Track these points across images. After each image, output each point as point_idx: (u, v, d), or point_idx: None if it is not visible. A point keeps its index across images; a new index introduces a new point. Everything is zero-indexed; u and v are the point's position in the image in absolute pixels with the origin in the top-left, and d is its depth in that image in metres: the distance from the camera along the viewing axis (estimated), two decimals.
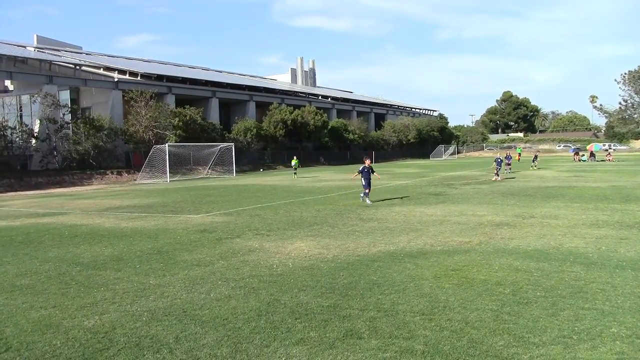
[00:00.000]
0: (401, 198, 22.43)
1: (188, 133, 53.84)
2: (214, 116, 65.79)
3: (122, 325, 6.65)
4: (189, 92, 64.91)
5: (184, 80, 66.05)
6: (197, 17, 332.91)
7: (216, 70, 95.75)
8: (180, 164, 48.61)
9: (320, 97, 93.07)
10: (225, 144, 51.81)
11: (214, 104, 67.34)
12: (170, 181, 42.07)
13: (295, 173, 42.47)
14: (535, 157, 52.18)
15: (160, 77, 62.07)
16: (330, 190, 27.88)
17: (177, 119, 53.30)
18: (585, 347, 5.61)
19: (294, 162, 43.49)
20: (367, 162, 22.01)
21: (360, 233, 13.44)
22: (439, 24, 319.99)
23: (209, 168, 50.87)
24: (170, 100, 59.79)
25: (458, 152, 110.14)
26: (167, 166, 43.12)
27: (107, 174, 46.46)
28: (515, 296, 7.45)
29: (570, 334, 5.97)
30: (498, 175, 33.64)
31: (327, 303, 7.33)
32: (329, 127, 76.11)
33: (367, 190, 20.95)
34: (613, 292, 7.57)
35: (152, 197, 26.96)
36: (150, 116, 50.79)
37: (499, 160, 35.15)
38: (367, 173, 21.13)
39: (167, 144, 44.53)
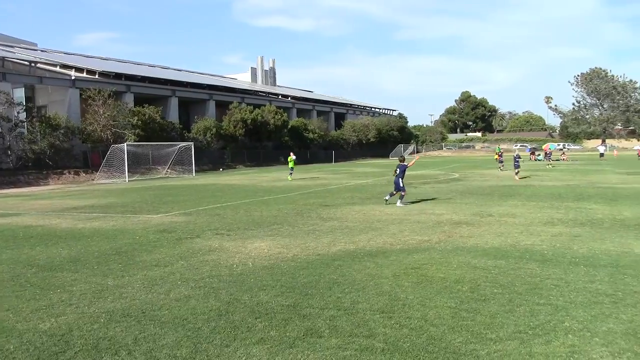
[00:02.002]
0: (362, 197, 22.54)
1: (147, 132, 53.19)
2: (174, 115, 65.11)
3: (80, 327, 6.54)
4: (148, 90, 64.09)
5: (143, 79, 65.19)
6: (157, 16, 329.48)
7: (176, 69, 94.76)
8: (139, 164, 47.96)
9: (280, 97, 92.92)
10: (184, 144, 51.33)
11: (174, 103, 66.63)
12: (129, 181, 41.54)
13: (290, 174, 37.40)
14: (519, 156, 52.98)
15: (118, 76, 61.12)
16: (290, 189, 27.87)
17: (136, 118, 52.58)
18: (540, 341, 5.74)
19: (290, 160, 38.40)
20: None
21: (320, 232, 13.48)
22: (400, 24, 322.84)
23: (169, 167, 50.34)
24: (129, 99, 58.89)
25: (417, 152, 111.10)
26: (126, 166, 42.54)
27: (64, 174, 45.60)
28: (473, 293, 7.58)
29: (526, 329, 6.10)
30: (517, 174, 32.79)
31: (287, 302, 7.35)
32: (289, 126, 76.01)
33: (395, 192, 19.81)
34: (566, 288, 7.76)
35: (111, 197, 26.59)
36: (108, 115, 49.99)
37: (517, 157, 34.31)
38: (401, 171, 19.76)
39: (125, 144, 43.91)
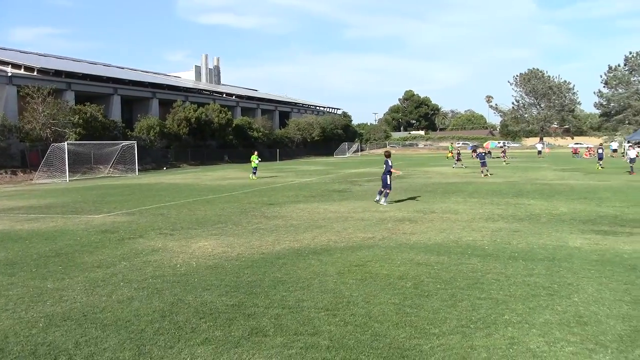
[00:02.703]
0: (306, 195, 22.58)
1: (88, 131, 51.96)
2: (116, 114, 63.84)
3: (16, 333, 6.33)
4: (89, 88, 62.63)
5: (84, 77, 63.64)
6: (98, 11, 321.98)
7: (118, 67, 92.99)
8: (80, 163, 46.76)
9: (224, 95, 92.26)
10: (127, 142, 50.34)
11: (116, 101, 65.34)
12: (69, 181, 40.50)
13: (254, 173, 35.31)
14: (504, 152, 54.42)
15: (58, 73, 59.51)
16: (234, 188, 27.70)
17: (77, 116, 51.25)
18: (481, 334, 5.88)
19: (254, 159, 36.00)
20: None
21: (264, 231, 13.45)
22: (345, 23, 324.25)
23: (111, 167, 49.30)
24: (70, 96, 57.39)
25: (361, 150, 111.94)
26: (67, 165, 41.41)
27: (1, 174, 44.21)
28: (416, 289, 7.69)
29: (468, 323, 6.23)
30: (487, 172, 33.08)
31: (231, 302, 7.31)
32: (234, 125, 75.44)
33: (383, 190, 19.03)
34: (506, 282, 7.97)
35: (51, 197, 25.89)
36: (47, 113, 48.52)
37: (482, 154, 34.86)
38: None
39: (66, 142, 42.76)
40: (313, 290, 7.79)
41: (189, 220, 15.69)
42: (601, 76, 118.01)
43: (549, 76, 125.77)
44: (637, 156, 33.65)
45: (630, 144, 48.98)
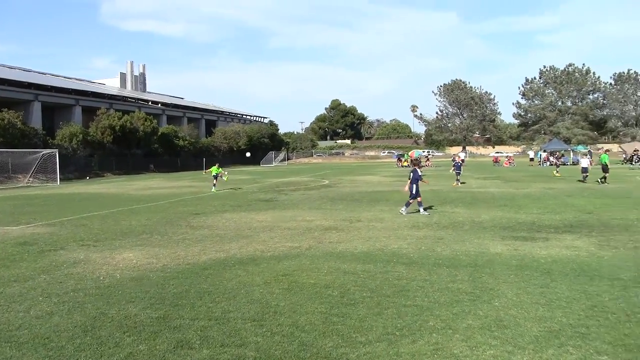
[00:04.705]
0: (232, 205, 22.42)
1: (6, 138, 50.05)
2: (36, 121, 61.84)
3: None
4: (7, 94, 60.42)
5: (1, 82, 61.34)
6: (17, 14, 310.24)
7: (39, 72, 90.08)
8: None
9: (150, 103, 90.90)
10: (48, 151, 48.69)
11: (36, 107, 63.31)
12: None
13: (215, 185, 31.87)
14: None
15: None
16: (160, 198, 27.22)
17: None
18: (407, 341, 5.98)
19: (215, 170, 32.07)
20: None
21: (190, 241, 13.27)
22: (273, 32, 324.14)
23: (30, 176, 47.53)
24: None
25: (288, 159, 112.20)
26: None
27: None
28: (343, 298, 7.76)
29: (394, 331, 6.33)
30: (458, 182, 32.84)
31: (156, 314, 7.17)
32: (159, 133, 74.35)
33: (411, 200, 18.25)
34: (430, 289, 8.14)
35: None
36: None
37: (458, 164, 34.44)
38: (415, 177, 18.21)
39: None
40: (239, 300, 7.74)
41: (113, 231, 15.30)
42: (519, 88, 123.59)
43: (471, 87, 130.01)
44: (589, 165, 34.81)
45: (583, 153, 50.85)
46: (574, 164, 57.56)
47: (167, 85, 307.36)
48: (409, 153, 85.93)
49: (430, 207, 19.06)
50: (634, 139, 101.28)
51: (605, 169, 32.25)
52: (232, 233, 14.52)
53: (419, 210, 17.89)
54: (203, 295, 8.08)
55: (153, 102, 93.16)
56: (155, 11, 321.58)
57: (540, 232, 13.71)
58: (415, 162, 19.38)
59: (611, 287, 8.15)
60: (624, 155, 68.99)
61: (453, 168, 35.58)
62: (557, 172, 42.06)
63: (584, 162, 33.92)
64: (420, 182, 18.23)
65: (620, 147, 77.02)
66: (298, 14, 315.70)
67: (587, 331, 6.23)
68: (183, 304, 7.60)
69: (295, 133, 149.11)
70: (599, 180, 31.57)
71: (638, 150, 63.46)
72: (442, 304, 7.36)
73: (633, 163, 61.00)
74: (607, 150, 42.81)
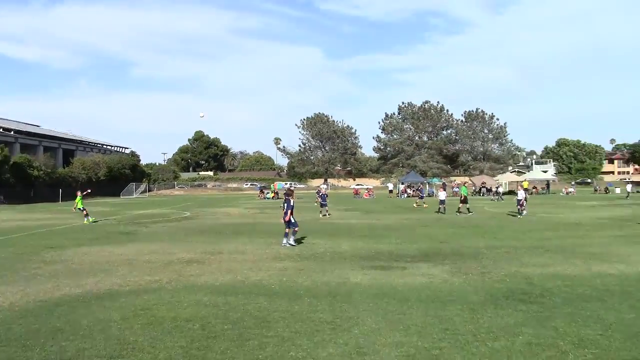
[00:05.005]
0: (89, 238, 21.43)
1: None
2: None
3: None
4: None
5: None
6: None
7: None
8: None
9: (1, 130, 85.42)
10: None
11: None
12: None
13: (86, 215, 30.29)
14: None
15: None
16: (10, 231, 25.45)
17: None
18: None
19: (79, 202, 31.05)
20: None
21: (43, 277, 12.50)
22: (134, 61, 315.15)
23: None
24: None
25: (149, 190, 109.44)
26: None
27: None
28: (204, 331, 7.61)
29: None
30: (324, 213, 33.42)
31: (0, 357, 6.67)
32: (11, 162, 69.88)
33: (288, 230, 18.04)
34: (292, 319, 8.19)
35: None
36: None
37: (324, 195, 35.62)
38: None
39: None
40: (95, 337, 7.37)
41: None
42: (379, 122, 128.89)
43: (334, 121, 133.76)
44: (446, 197, 36.48)
45: (439, 186, 53.30)
46: (429, 196, 60.52)
47: (22, 111, 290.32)
48: (272, 185, 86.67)
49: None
50: (481, 172, 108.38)
51: (464, 200, 34.51)
52: (88, 267, 13.84)
53: (283, 241, 17.88)
54: (55, 334, 7.61)
55: (5, 129, 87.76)
56: (7, 33, 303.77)
57: (398, 261, 14.23)
58: (289, 192, 19.37)
59: (462, 310, 8.60)
60: (473, 188, 73.50)
61: (319, 200, 36.40)
62: (418, 203, 44.04)
63: (442, 195, 35.79)
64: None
65: (470, 179, 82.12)
66: (160, 44, 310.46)
67: (440, 352, 6.54)
68: (32, 345, 7.12)
69: (158, 164, 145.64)
70: (458, 212, 33.62)
71: (485, 183, 68.04)
72: (303, 334, 7.41)
73: (481, 195, 65.26)
74: (465, 183, 45.77)
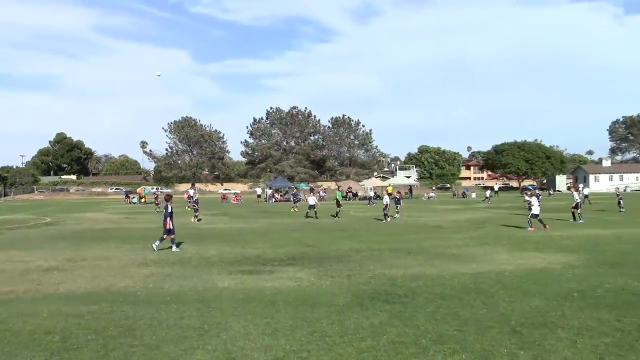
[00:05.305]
0: None
1: None
2: None
3: None
4: None
5: None
6: None
7: None
8: None
9: None
10: None
11: None
12: None
13: None
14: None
15: None
16: None
17: None
18: None
19: None
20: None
21: None
22: None
23: None
24: None
25: (5, 195, 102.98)
26: None
27: None
28: (65, 343, 7.29)
29: None
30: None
31: None
32: None
33: (165, 236, 17.93)
34: (159, 326, 8.03)
35: None
36: None
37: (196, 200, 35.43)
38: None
39: None
40: None
41: None
42: (247, 127, 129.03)
43: (202, 125, 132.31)
44: (316, 202, 37.29)
45: (307, 191, 54.29)
46: (299, 201, 61.35)
47: None
48: (138, 190, 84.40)
49: (180, 243, 18.75)
50: (348, 177, 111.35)
51: (338, 203, 36.79)
52: None
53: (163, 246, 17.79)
54: None
55: None
56: None
57: (265, 265, 14.33)
58: (168, 198, 18.99)
59: (329, 313, 8.82)
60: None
61: (192, 204, 36.01)
62: (294, 207, 45.38)
63: (311, 200, 36.48)
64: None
65: (337, 184, 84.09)
66: (15, 39, 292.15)
67: (308, 355, 6.68)
68: None
69: (15, 167, 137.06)
70: (335, 215, 35.11)
71: (351, 188, 70.00)
72: (170, 341, 7.30)
73: (347, 199, 67.01)
74: (339, 187, 47.35)
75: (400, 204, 36.39)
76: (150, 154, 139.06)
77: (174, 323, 8.23)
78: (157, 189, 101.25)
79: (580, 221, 27.85)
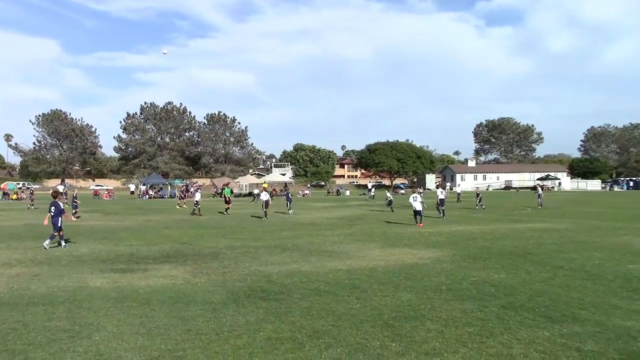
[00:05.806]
0: None
1: None
2: None
3: None
4: None
5: None
6: None
7: None
8: None
9: None
10: None
11: None
12: None
13: None
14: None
15: None
16: None
17: None
18: None
19: None
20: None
21: None
22: None
23: None
24: None
25: None
26: None
27: None
28: None
29: None
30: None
31: None
32: None
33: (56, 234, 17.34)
34: (25, 330, 7.66)
35: None
36: None
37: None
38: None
39: None
40: None
41: None
42: (121, 122, 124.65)
43: (72, 118, 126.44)
44: (200, 198, 37.10)
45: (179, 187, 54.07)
46: (172, 197, 60.50)
47: None
48: (2, 186, 79.66)
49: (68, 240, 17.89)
50: (223, 174, 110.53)
51: (228, 201, 37.45)
52: None
53: (61, 244, 17.30)
54: None
55: None
56: None
57: (139, 263, 14.01)
58: (55, 194, 18.31)
59: (204, 310, 8.78)
60: (215, 189, 74.64)
61: (75, 202, 34.43)
62: (179, 204, 45.96)
63: (197, 196, 36.52)
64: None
65: (211, 181, 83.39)
66: None
67: (184, 354, 6.62)
68: None
69: None
70: (225, 212, 35.73)
71: (228, 183, 69.66)
72: (38, 345, 6.98)
73: (217, 195, 66.72)
74: (227, 184, 47.53)
75: (291, 200, 37.92)
76: (16, 148, 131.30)
77: (41, 325, 7.88)
78: (24, 184, 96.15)
79: (442, 216, 30.37)
